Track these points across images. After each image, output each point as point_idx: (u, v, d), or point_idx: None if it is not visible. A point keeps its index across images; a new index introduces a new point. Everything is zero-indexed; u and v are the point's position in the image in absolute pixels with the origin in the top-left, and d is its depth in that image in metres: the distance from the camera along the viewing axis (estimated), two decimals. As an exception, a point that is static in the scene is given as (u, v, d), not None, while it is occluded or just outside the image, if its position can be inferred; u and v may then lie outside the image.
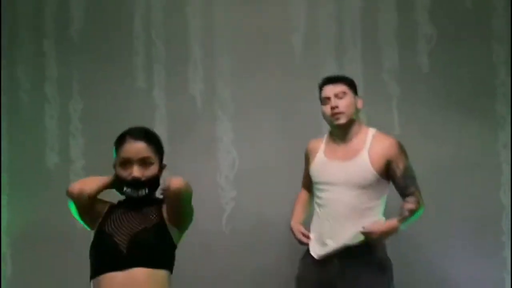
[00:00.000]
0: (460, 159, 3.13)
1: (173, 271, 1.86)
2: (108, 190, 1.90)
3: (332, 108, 2.38)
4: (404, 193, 2.37)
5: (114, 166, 1.86)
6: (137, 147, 1.81)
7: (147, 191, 1.82)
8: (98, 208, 1.89)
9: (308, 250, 2.44)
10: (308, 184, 2.59)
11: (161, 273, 1.75)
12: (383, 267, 2.35)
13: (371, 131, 2.44)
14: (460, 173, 3.12)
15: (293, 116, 3.15)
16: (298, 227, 2.48)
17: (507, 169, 3.13)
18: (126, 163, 1.81)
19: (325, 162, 2.44)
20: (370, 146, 2.37)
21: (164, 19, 3.26)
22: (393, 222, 2.33)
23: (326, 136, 2.56)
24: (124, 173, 1.81)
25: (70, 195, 1.85)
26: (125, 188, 1.82)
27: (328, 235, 2.34)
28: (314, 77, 3.17)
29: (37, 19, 3.30)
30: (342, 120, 2.38)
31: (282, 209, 2.87)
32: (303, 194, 2.65)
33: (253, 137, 3.14)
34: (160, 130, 3.19)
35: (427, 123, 3.17)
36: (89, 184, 1.86)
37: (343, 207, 2.33)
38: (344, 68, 3.20)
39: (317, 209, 2.45)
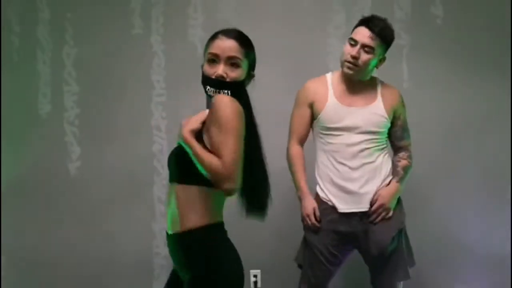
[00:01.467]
0: (469, 114, 3.06)
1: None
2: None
3: (352, 57, 2.28)
4: (397, 145, 2.46)
5: (202, 66, 1.78)
6: (227, 45, 1.72)
7: (229, 93, 1.70)
8: None
9: (319, 199, 2.41)
10: (304, 134, 2.46)
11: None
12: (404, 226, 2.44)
13: (376, 79, 2.46)
14: (469, 128, 3.04)
15: (299, 68, 3.00)
16: (314, 212, 2.37)
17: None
18: (213, 60, 1.73)
19: (340, 107, 2.36)
20: (381, 94, 2.40)
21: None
22: (394, 185, 2.38)
23: (330, 77, 2.44)
24: (209, 70, 1.73)
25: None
26: (208, 87, 1.73)
27: (351, 190, 2.34)
28: (321, 26, 3.06)
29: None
30: (352, 73, 2.33)
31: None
32: (300, 153, 2.46)
33: (256, 87, 2.99)
34: (157, 78, 3.10)
35: (438, 76, 3.05)
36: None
37: (361, 152, 2.33)
38: (353, 17, 3.03)
39: (326, 156, 2.38)
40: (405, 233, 2.42)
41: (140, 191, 3.10)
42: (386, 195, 2.33)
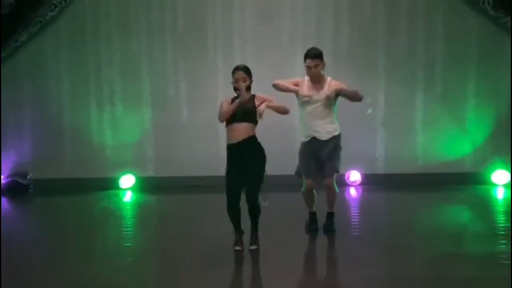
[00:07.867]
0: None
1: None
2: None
3: (311, 73, 4.72)
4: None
5: (233, 83, 4.32)
6: (240, 73, 4.29)
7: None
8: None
9: (302, 141, 4.89)
10: (288, 83, 4.82)
11: (252, 125, 4.33)
12: (339, 146, 4.97)
13: (329, 78, 4.91)
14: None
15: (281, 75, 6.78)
16: None
17: (381, 98, 6.83)
18: (236, 80, 4.27)
19: (309, 92, 4.74)
20: (327, 85, 4.78)
21: (222, 24, 6.91)
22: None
23: (306, 79, 4.82)
24: (236, 85, 4.30)
25: (221, 121, 4.38)
26: (237, 91, 4.31)
27: (315, 130, 4.78)
28: (291, 55, 6.82)
29: (160, 23, 6.99)
30: (314, 78, 4.76)
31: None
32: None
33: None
34: (219, 81, 6.95)
35: (344, 77, 6.73)
36: (224, 113, 4.31)
37: (318, 113, 4.76)
38: (306, 47, 6.79)
39: (303, 116, 4.82)
40: (338, 149, 4.88)
41: (211, 130, 6.93)
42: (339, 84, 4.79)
